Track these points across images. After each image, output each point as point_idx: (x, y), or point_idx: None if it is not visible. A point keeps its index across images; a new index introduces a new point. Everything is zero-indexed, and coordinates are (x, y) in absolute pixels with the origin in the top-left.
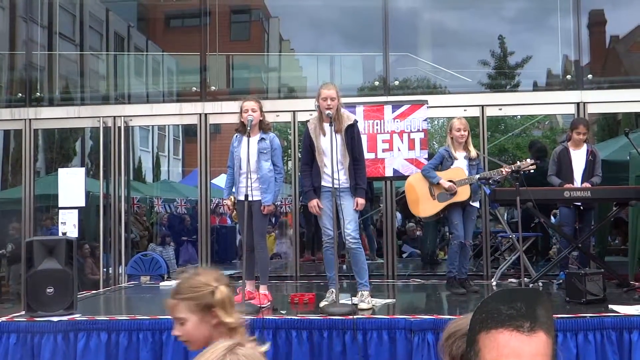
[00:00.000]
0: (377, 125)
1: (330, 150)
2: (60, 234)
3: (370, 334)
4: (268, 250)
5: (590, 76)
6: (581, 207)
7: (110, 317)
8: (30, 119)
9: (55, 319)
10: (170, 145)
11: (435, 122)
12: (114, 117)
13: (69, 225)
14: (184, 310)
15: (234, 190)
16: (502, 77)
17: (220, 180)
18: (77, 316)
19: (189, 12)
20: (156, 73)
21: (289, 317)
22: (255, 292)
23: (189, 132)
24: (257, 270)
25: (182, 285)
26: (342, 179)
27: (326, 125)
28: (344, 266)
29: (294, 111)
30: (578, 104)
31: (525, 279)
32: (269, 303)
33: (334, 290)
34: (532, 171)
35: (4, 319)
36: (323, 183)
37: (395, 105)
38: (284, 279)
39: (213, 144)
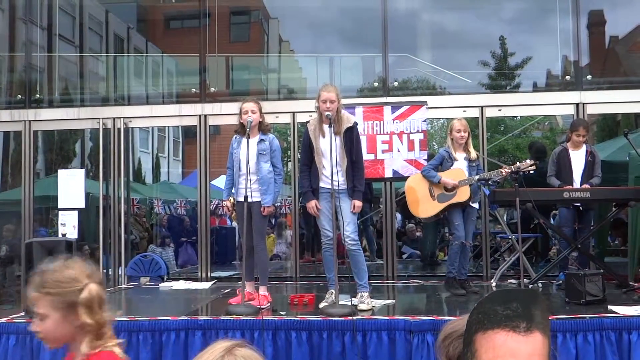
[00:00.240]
0: (376, 126)
1: (330, 152)
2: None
3: (370, 335)
4: (268, 251)
5: (589, 77)
6: (581, 208)
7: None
8: (30, 121)
9: None
10: (170, 147)
11: (435, 123)
12: (114, 118)
13: (68, 226)
14: (46, 305)
15: (233, 191)
16: (502, 78)
17: (220, 182)
18: None
19: (188, 13)
20: (156, 74)
21: (289, 318)
22: (254, 293)
23: (189, 133)
24: (257, 271)
25: (48, 277)
26: (340, 180)
27: (326, 127)
28: (344, 267)
29: (293, 112)
30: (577, 104)
31: (525, 279)
32: (269, 304)
33: (333, 291)
34: (531, 172)
35: (3, 320)
36: (321, 184)
37: (395, 106)
38: (283, 280)
39: (213, 145)
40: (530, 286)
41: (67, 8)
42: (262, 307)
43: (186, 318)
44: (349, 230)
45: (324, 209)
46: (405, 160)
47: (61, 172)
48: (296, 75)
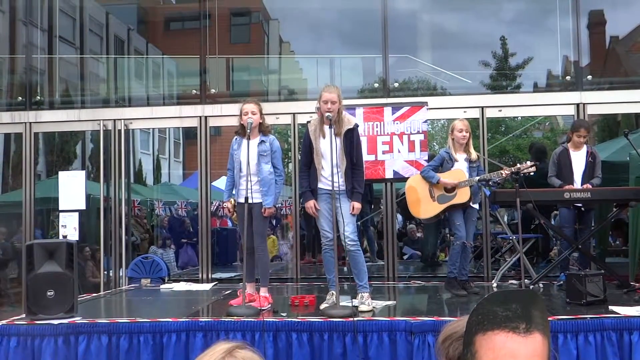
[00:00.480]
0: (377, 127)
1: (330, 153)
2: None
3: (371, 336)
4: (268, 252)
5: (589, 77)
6: (582, 209)
7: (111, 320)
8: (30, 123)
9: (55, 322)
10: (170, 148)
11: (436, 124)
12: (114, 120)
13: (69, 228)
14: None
15: (234, 192)
16: (502, 78)
17: (221, 183)
18: (77, 319)
19: (188, 15)
20: (156, 76)
21: (290, 319)
22: (255, 294)
23: (190, 134)
24: (258, 272)
25: None
26: (339, 182)
27: (326, 128)
28: (344, 268)
29: (294, 113)
30: (578, 105)
31: (526, 280)
32: (270, 305)
33: (334, 292)
34: (532, 173)
35: (4, 322)
36: (320, 185)
37: (395, 107)
38: (284, 281)
39: (213, 146)
40: (531, 287)
41: (68, 10)
42: (262, 308)
43: (187, 320)
44: (349, 231)
45: (323, 210)
46: (405, 161)
47: (62, 174)
48: (296, 77)
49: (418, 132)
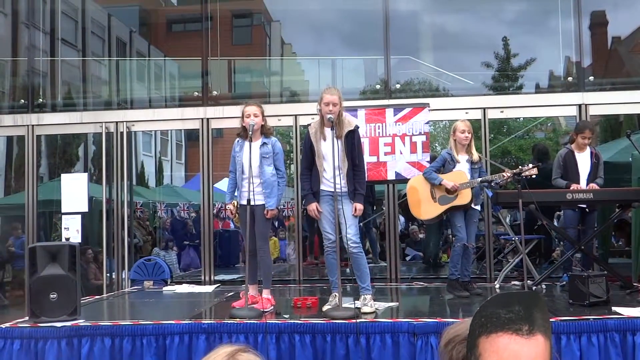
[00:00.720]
0: (379, 128)
1: (332, 155)
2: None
3: (374, 337)
4: (271, 254)
5: (591, 78)
6: (587, 210)
7: (114, 322)
8: (33, 125)
9: (58, 324)
10: (172, 150)
11: (438, 125)
12: (117, 122)
13: (72, 230)
14: None
15: (236, 194)
16: (504, 79)
17: (223, 185)
18: (80, 321)
19: (190, 16)
20: (158, 78)
21: (292, 321)
22: (258, 296)
23: (192, 136)
24: (260, 274)
25: None
26: (341, 184)
27: (327, 130)
28: (347, 270)
29: (296, 115)
30: (580, 105)
31: (529, 281)
32: (272, 307)
33: (336, 294)
34: (533, 176)
35: (8, 324)
36: (322, 187)
37: (397, 109)
38: (286, 283)
39: (215, 148)
40: (534, 288)
41: (70, 12)
42: (265, 310)
43: (190, 322)
44: (351, 232)
45: (325, 212)
46: (407, 162)
47: (64, 176)
48: (298, 78)
49: (420, 134)
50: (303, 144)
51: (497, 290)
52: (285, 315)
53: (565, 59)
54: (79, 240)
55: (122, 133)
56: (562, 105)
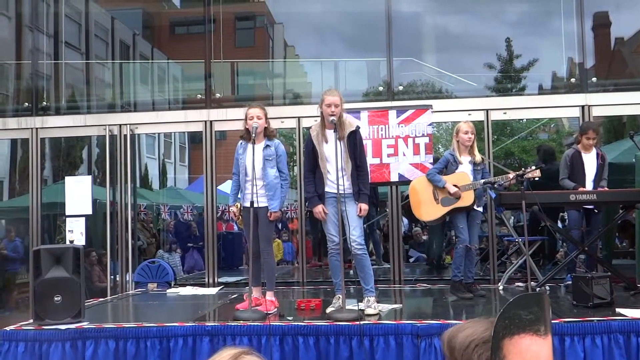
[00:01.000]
0: (381, 130)
1: (335, 157)
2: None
3: (377, 339)
4: (274, 256)
5: (594, 79)
6: (595, 210)
7: (118, 324)
8: (37, 128)
9: (63, 327)
10: (176, 152)
11: (441, 127)
12: (120, 125)
13: (76, 233)
14: None
15: (239, 196)
16: (507, 80)
17: (226, 187)
18: (84, 324)
19: (193, 19)
20: (161, 80)
21: (296, 323)
22: (262, 298)
23: (195, 139)
24: (264, 276)
25: None
26: (346, 185)
27: (329, 132)
28: (351, 271)
29: (299, 117)
30: (583, 107)
31: (532, 282)
32: (276, 309)
33: (340, 296)
34: (536, 179)
35: (12, 327)
36: (327, 189)
37: (400, 110)
38: (290, 285)
39: (219, 150)
40: (538, 289)
41: (73, 15)
42: (269, 312)
43: (193, 324)
44: (355, 234)
45: (330, 214)
46: (410, 164)
47: (68, 179)
48: (301, 80)
49: (423, 135)
50: (305, 147)
51: (501, 292)
52: (288, 317)
53: (568, 60)
54: (83, 243)
55: (125, 136)
56: (565, 107)
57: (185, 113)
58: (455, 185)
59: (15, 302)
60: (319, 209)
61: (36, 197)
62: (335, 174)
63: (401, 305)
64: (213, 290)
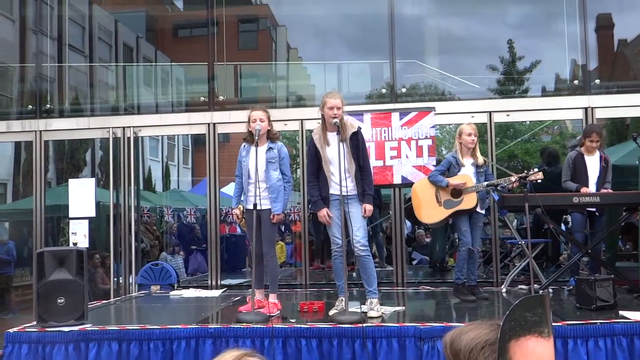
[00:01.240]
0: (384, 132)
1: (338, 159)
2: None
3: (380, 342)
4: (277, 258)
5: (597, 81)
6: (597, 214)
7: (121, 326)
8: (40, 131)
9: (66, 329)
10: (179, 155)
11: (444, 129)
12: (124, 127)
13: (79, 235)
14: None
15: (242, 199)
16: (510, 83)
17: (230, 189)
18: (88, 326)
19: (196, 22)
20: (165, 83)
21: (299, 325)
22: (264, 300)
23: (198, 141)
24: (267, 279)
25: None
26: (350, 186)
27: (331, 134)
28: (354, 274)
29: (302, 119)
30: (586, 108)
31: (535, 285)
32: (279, 312)
33: (343, 298)
34: (539, 181)
35: (15, 329)
36: (331, 191)
37: (403, 113)
38: (293, 287)
39: (222, 153)
40: (541, 292)
41: (77, 18)
42: (272, 314)
43: (196, 326)
44: (359, 235)
45: (335, 217)
46: (413, 166)
47: (72, 181)
48: (304, 83)
49: (426, 137)
50: (307, 150)
51: (504, 295)
52: (291, 320)
53: (571, 62)
54: (87, 245)
55: (129, 138)
56: (568, 109)
57: (188, 115)
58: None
59: (11, 305)
60: (323, 212)
61: (40, 200)
62: (339, 176)
63: (404, 307)
64: (216, 293)
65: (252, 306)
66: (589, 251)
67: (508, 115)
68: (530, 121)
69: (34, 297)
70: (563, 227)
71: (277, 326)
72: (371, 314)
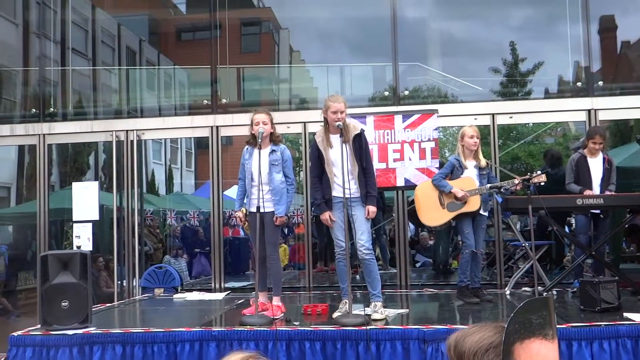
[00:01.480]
0: (387, 135)
1: (341, 161)
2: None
3: (384, 344)
4: (281, 261)
5: (601, 83)
6: (601, 216)
7: (125, 329)
8: (44, 134)
9: (70, 332)
10: (182, 158)
11: (447, 131)
12: (127, 130)
13: (83, 238)
14: None
15: (245, 201)
16: (513, 85)
17: (233, 192)
18: (92, 329)
19: (199, 25)
20: (168, 86)
21: (302, 328)
22: (268, 303)
23: (201, 144)
24: (270, 281)
25: None
26: (353, 188)
27: (334, 137)
28: (357, 276)
29: (305, 122)
30: (589, 110)
31: (539, 287)
32: (282, 314)
33: (347, 301)
34: (542, 183)
35: (19, 332)
36: (334, 194)
37: (406, 115)
38: (297, 290)
39: (225, 155)
40: (545, 294)
41: (80, 22)
42: (275, 317)
43: (200, 329)
44: (363, 239)
45: (338, 220)
46: (417, 168)
47: (75, 185)
48: (307, 85)
49: (429, 140)
50: (310, 153)
51: (508, 297)
52: (295, 322)
53: (574, 64)
54: (90, 248)
55: (132, 141)
56: (571, 111)
57: (191, 119)
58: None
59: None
60: (325, 216)
61: (43, 203)
62: (342, 178)
63: (408, 310)
64: (220, 296)
65: (256, 309)
66: (593, 253)
67: (511, 117)
68: (533, 123)
69: (38, 301)
70: (567, 229)
71: (280, 329)
72: (375, 316)
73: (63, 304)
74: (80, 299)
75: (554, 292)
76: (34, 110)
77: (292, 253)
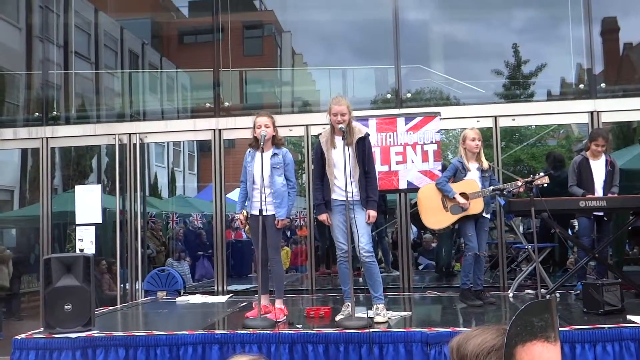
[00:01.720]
0: (390, 137)
1: (343, 163)
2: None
3: (387, 347)
4: (283, 264)
5: (603, 85)
6: (605, 218)
7: (128, 333)
8: (47, 138)
9: (73, 335)
10: (185, 161)
11: (450, 134)
12: (130, 134)
13: (86, 241)
14: None
15: (246, 204)
16: (515, 87)
17: (235, 195)
18: (95, 332)
19: (202, 28)
20: (170, 90)
21: (305, 331)
22: (270, 306)
23: (204, 147)
24: (273, 284)
25: None
26: (353, 192)
27: (338, 138)
28: (360, 279)
29: (307, 125)
30: (592, 112)
31: (542, 289)
32: (285, 317)
33: (349, 303)
34: (545, 185)
35: (23, 335)
36: (334, 196)
37: (408, 118)
38: (299, 292)
39: (227, 158)
40: (548, 296)
41: (83, 26)
42: (278, 320)
43: (203, 332)
44: (364, 242)
45: (338, 222)
46: (419, 171)
47: (78, 188)
48: (309, 88)
49: (431, 142)
50: (314, 153)
51: (511, 300)
52: (298, 325)
53: (577, 66)
54: (93, 251)
55: (135, 145)
56: (573, 113)
57: (194, 122)
58: (464, 193)
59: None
60: (323, 217)
61: (46, 206)
62: (343, 180)
63: (410, 312)
64: (222, 298)
65: (259, 312)
66: (596, 255)
67: (514, 119)
68: (535, 125)
69: (41, 304)
70: (570, 231)
71: (283, 332)
72: (378, 319)
73: (66, 307)
74: (83, 302)
75: (557, 295)
76: (37, 113)
77: (294, 256)
